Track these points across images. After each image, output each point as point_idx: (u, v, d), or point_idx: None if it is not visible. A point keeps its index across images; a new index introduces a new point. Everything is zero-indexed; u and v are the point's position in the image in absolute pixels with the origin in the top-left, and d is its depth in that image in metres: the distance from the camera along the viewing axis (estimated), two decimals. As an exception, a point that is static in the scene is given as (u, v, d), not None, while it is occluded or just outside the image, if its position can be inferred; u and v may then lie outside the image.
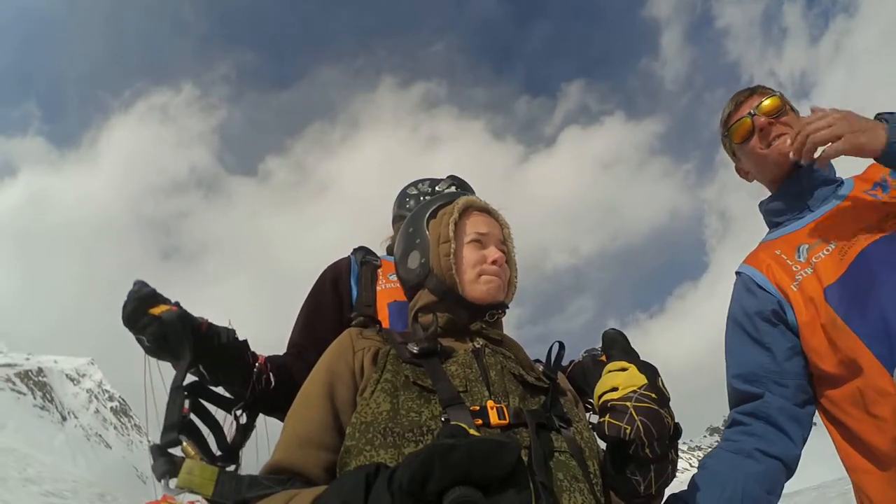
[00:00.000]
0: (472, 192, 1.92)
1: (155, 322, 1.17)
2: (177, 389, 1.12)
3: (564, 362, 1.51)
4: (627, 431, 0.89)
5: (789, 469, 1.29)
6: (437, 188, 1.94)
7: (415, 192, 1.97)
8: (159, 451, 0.98)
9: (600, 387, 0.98)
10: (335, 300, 1.68)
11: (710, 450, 1.37)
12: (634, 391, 0.93)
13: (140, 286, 1.22)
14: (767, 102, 1.43)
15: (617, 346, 1.03)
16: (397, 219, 1.97)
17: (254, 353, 1.39)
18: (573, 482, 0.92)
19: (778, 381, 1.33)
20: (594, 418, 1.29)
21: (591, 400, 1.09)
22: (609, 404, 0.94)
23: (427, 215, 1.25)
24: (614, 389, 0.95)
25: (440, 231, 1.20)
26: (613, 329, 1.06)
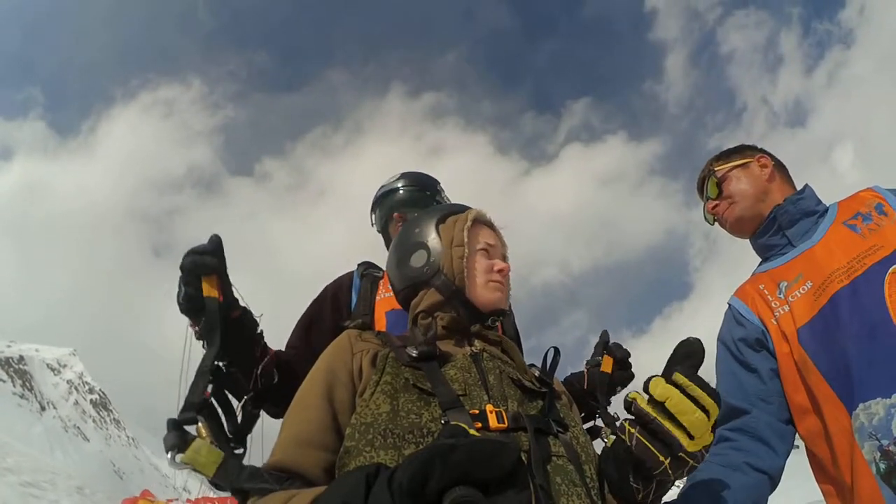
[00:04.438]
0: (430, 189, 1.99)
1: (197, 297, 1.18)
2: (203, 374, 1.13)
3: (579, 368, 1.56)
4: (665, 468, 0.90)
5: (774, 482, 1.37)
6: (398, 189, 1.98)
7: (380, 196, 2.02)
8: (174, 425, 0.97)
9: (674, 406, 0.90)
10: (333, 312, 1.71)
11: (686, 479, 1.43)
12: (704, 449, 0.92)
13: (207, 247, 1.20)
14: (708, 189, 1.64)
15: (695, 370, 0.94)
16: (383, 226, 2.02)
17: (265, 348, 1.41)
18: (571, 486, 0.93)
19: (764, 398, 1.42)
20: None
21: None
22: (660, 430, 0.90)
23: (437, 219, 1.28)
24: (687, 432, 0.90)
25: (453, 235, 1.22)
26: (696, 340, 0.97)
